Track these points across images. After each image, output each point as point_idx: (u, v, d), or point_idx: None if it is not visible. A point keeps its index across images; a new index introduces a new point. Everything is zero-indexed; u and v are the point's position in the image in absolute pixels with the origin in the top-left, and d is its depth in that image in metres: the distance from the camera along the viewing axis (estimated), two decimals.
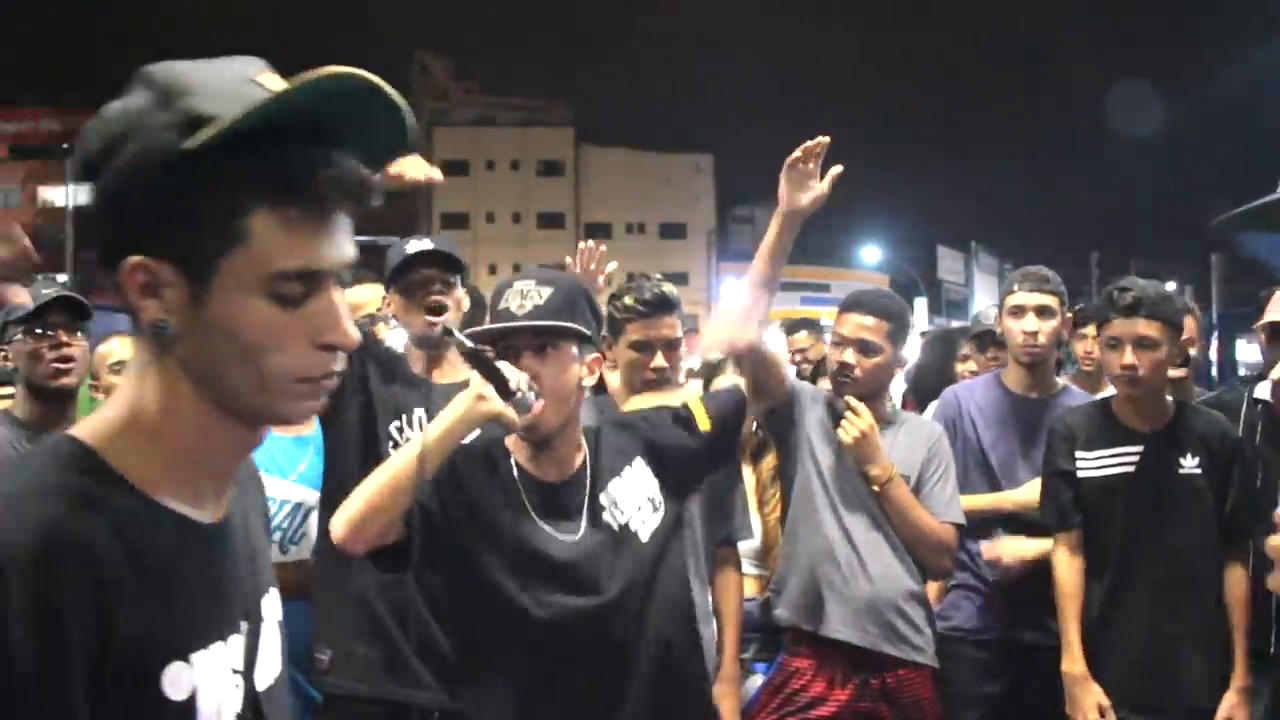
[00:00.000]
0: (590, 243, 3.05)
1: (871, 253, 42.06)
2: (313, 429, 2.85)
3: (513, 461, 2.02)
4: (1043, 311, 3.18)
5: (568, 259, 3.03)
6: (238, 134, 0.84)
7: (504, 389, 1.84)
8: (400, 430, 2.54)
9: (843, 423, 2.71)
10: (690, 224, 47.69)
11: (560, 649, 1.93)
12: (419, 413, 2.52)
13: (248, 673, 0.96)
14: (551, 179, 48.42)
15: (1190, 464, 2.79)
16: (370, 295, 3.25)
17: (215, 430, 0.92)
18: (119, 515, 0.86)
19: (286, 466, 2.78)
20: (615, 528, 2.01)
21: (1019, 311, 3.19)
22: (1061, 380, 3.37)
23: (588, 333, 1.97)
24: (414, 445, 1.85)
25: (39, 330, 2.64)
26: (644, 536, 2.02)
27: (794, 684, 2.74)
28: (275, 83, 0.89)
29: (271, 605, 1.04)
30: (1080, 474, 2.89)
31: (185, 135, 0.85)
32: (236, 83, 0.88)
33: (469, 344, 1.90)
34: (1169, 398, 2.91)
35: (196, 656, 0.89)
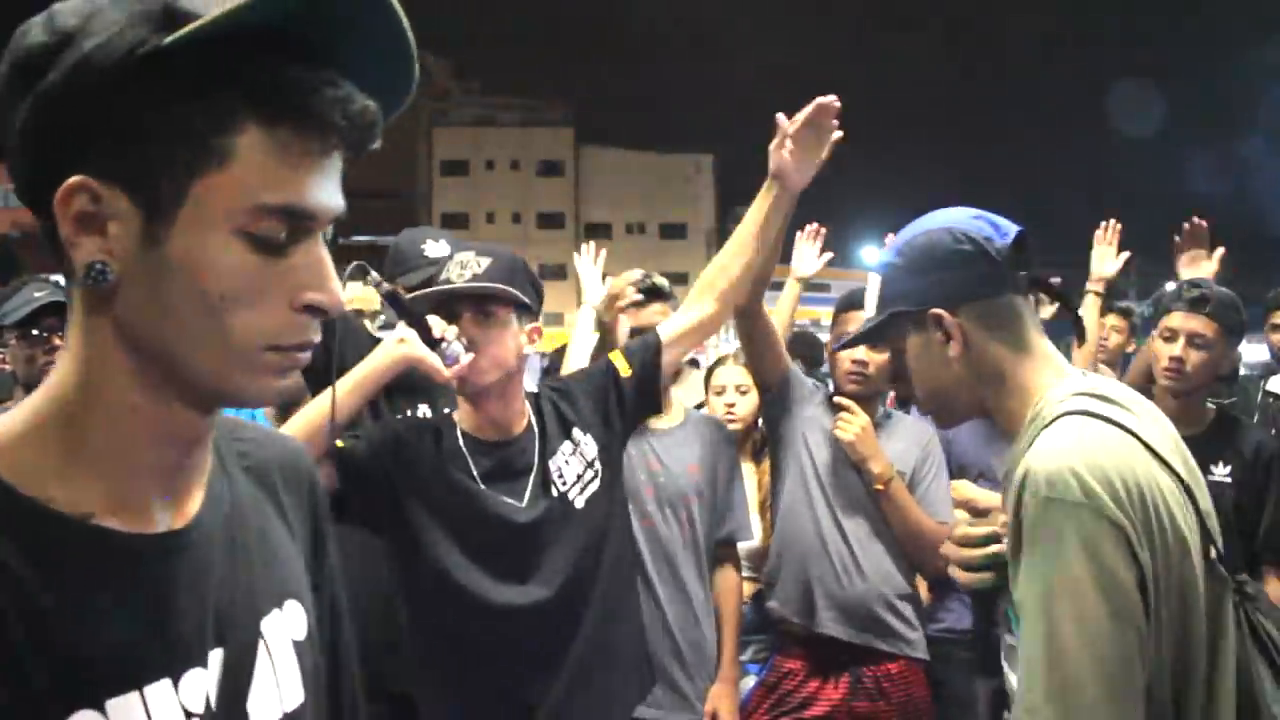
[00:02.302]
0: (591, 245, 3.07)
1: (871, 253, 42.07)
2: None
3: (458, 431, 2.07)
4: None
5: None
6: (226, 36, 0.69)
7: (428, 337, 1.90)
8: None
9: (839, 421, 2.72)
10: (690, 224, 47.71)
11: (508, 619, 1.96)
12: (422, 409, 2.55)
13: (228, 711, 0.79)
14: (551, 179, 48.44)
15: (1220, 472, 2.76)
16: (362, 293, 3.26)
17: (150, 413, 0.75)
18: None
19: None
20: (557, 495, 2.05)
21: None
22: None
23: (525, 299, 2.02)
24: (330, 389, 1.87)
25: (34, 333, 2.64)
26: (580, 504, 2.06)
27: (787, 684, 2.77)
28: None
29: (283, 622, 0.86)
30: None
31: (160, 31, 0.70)
32: None
33: (387, 286, 1.95)
34: (1209, 404, 2.89)
35: (116, 704, 0.72)
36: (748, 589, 3.04)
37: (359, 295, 3.24)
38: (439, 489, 1.99)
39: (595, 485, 2.10)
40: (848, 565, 2.72)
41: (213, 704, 0.78)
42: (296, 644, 0.87)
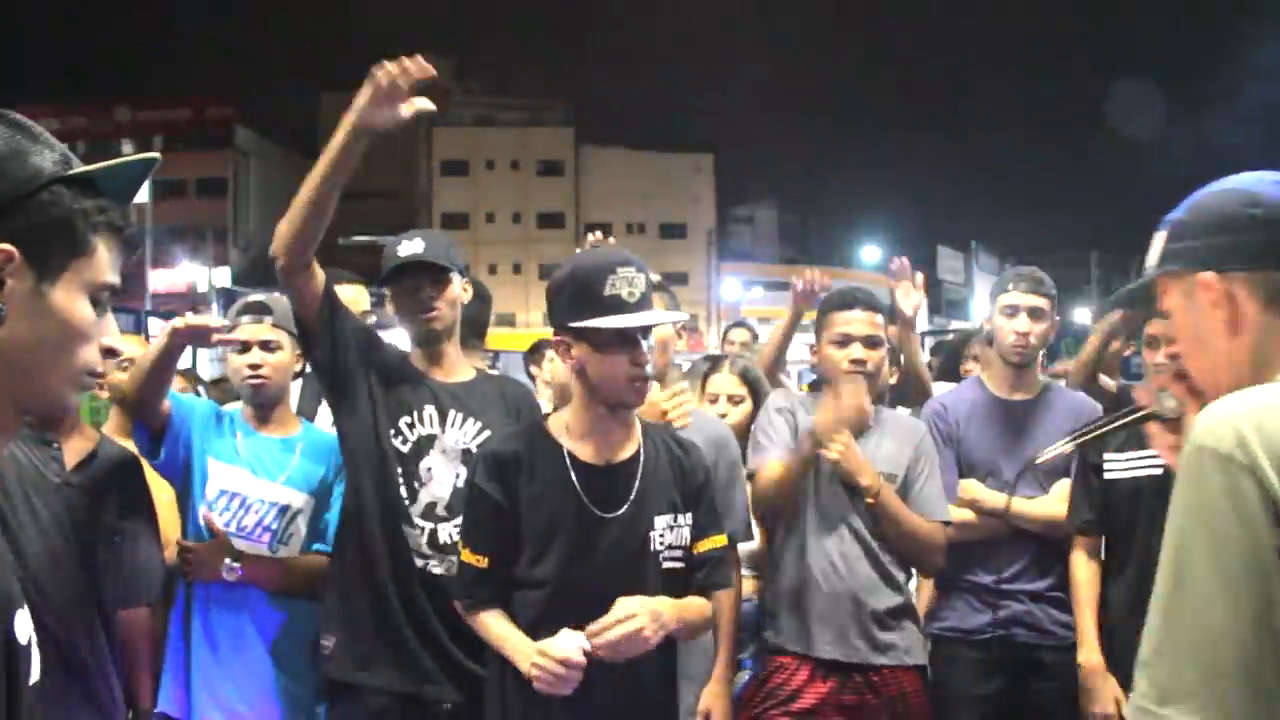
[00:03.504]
0: (598, 233, 3.05)
1: (871, 253, 42.09)
2: (298, 431, 2.89)
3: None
4: (1035, 313, 3.18)
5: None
6: (92, 179, 1.11)
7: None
8: (411, 426, 2.59)
9: (823, 437, 2.73)
10: (690, 224, 47.72)
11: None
12: (429, 409, 2.60)
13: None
14: (551, 179, 48.45)
15: None
16: (353, 295, 3.35)
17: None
18: None
19: (275, 470, 2.80)
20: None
21: (1012, 311, 3.19)
22: (1043, 378, 3.37)
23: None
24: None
25: None
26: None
27: (777, 678, 2.80)
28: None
29: (24, 622, 1.17)
30: (1108, 475, 2.92)
31: (64, 167, 1.09)
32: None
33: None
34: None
35: (23, 611, 1.08)
36: (748, 587, 3.04)
37: (349, 297, 3.30)
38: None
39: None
40: (836, 586, 2.76)
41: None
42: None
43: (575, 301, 2.11)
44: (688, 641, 2.61)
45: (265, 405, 2.84)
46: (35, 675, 1.09)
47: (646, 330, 2.15)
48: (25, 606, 1.09)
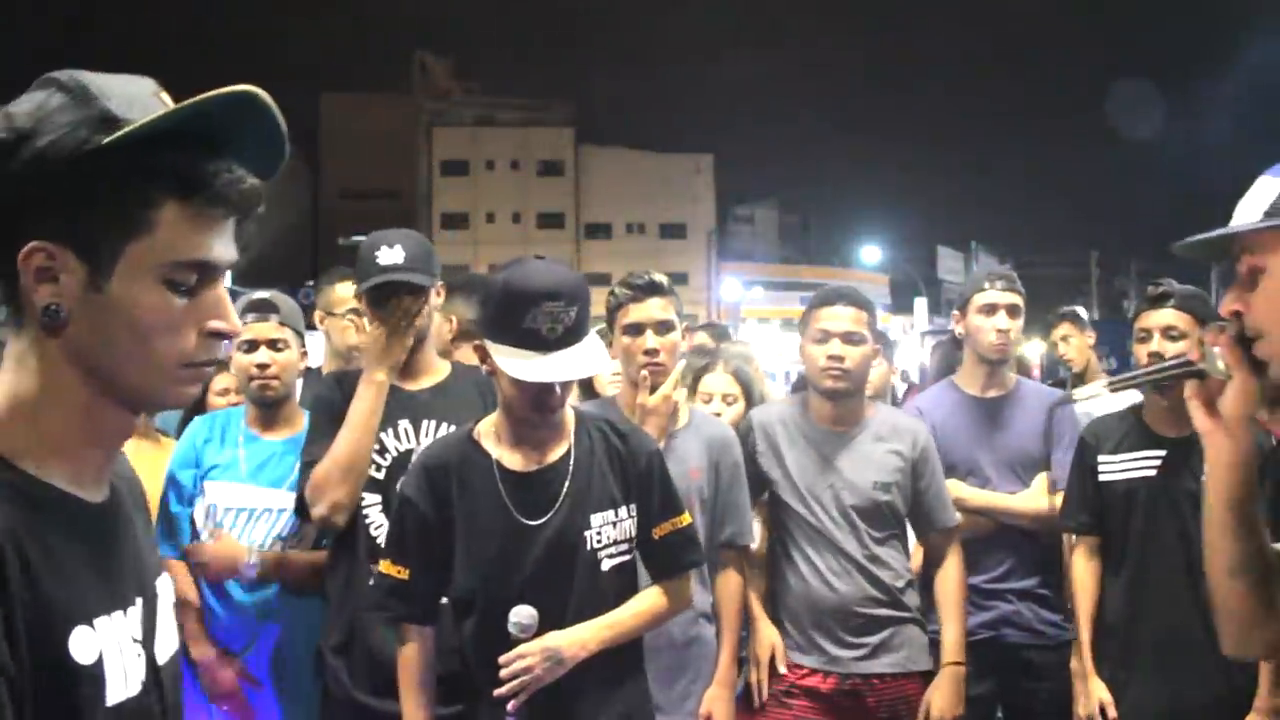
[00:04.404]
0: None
1: (871, 253, 42.03)
2: (303, 428, 2.84)
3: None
4: (1013, 310, 3.21)
5: None
6: (149, 136, 0.93)
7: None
8: (382, 451, 2.53)
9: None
10: (690, 224, 47.66)
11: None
12: (403, 424, 2.54)
13: (147, 645, 1.02)
14: (551, 179, 48.40)
15: None
16: (349, 293, 3.30)
17: (95, 413, 0.97)
18: (12, 493, 0.91)
19: (280, 476, 2.79)
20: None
21: (991, 309, 3.20)
22: (1014, 375, 3.38)
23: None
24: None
25: None
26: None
27: (776, 671, 2.81)
28: (170, 101, 0.99)
29: (166, 586, 1.09)
30: (1103, 477, 2.92)
31: (101, 132, 0.93)
32: (142, 95, 0.97)
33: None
34: None
35: (99, 622, 0.94)
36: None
37: (346, 295, 3.32)
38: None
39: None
40: (836, 602, 2.78)
41: (142, 637, 1.01)
42: (174, 605, 1.11)
43: (496, 320, 2.04)
44: (691, 633, 2.63)
45: (272, 405, 2.83)
46: (126, 692, 0.96)
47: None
48: (107, 617, 0.95)
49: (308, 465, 2.47)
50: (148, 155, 0.93)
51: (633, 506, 2.18)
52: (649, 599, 2.22)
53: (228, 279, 1.05)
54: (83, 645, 0.91)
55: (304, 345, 2.93)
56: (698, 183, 48.68)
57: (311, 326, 3.37)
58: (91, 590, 0.95)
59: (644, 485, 2.20)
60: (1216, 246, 1.36)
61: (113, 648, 0.95)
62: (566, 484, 2.13)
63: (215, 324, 0.99)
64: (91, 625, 0.93)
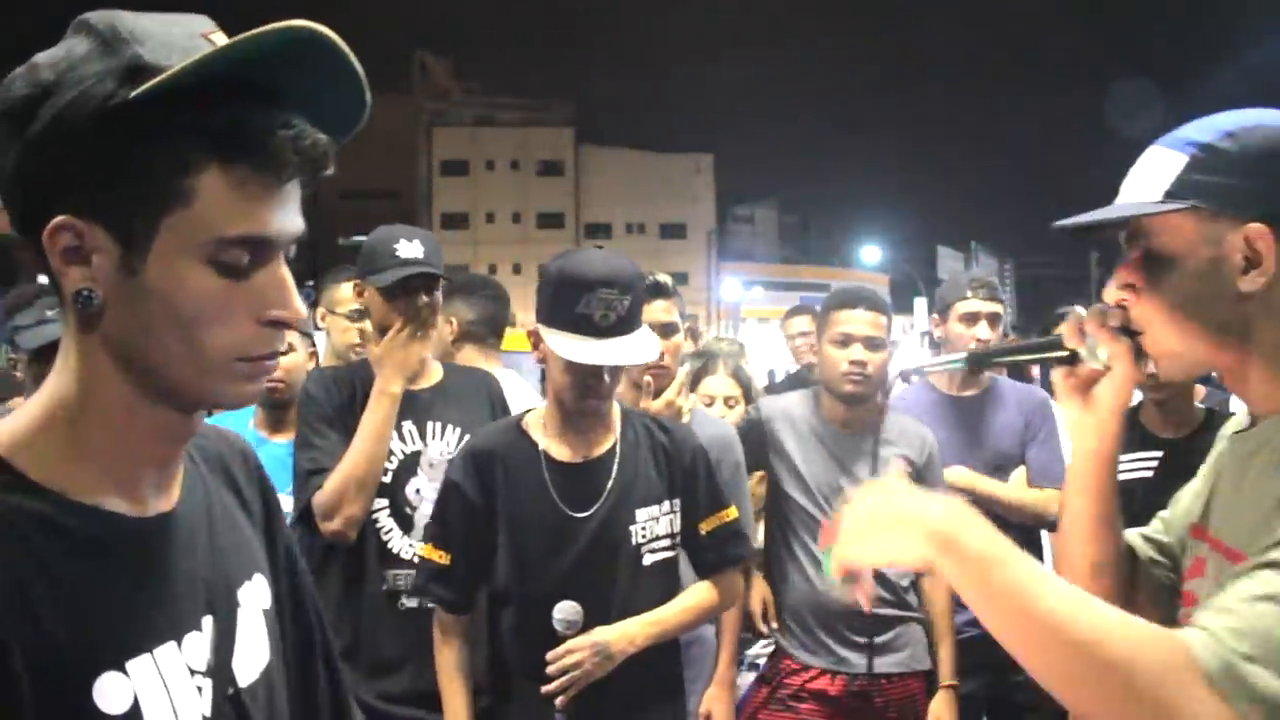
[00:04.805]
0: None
1: (871, 253, 42.06)
2: None
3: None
4: (994, 320, 3.22)
5: None
6: (187, 86, 0.77)
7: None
8: (392, 441, 2.46)
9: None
10: (690, 224, 47.69)
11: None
12: (407, 425, 2.46)
13: (220, 671, 0.89)
14: (551, 179, 48.42)
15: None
16: (350, 293, 3.17)
17: (142, 415, 0.84)
18: (22, 521, 0.78)
19: (289, 481, 2.76)
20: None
21: (972, 319, 3.20)
22: (989, 374, 3.38)
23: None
24: None
25: (47, 358, 2.62)
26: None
27: (784, 675, 2.79)
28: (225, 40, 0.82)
29: (254, 593, 0.97)
30: None
31: (128, 84, 0.77)
32: (185, 36, 0.81)
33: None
34: (1199, 405, 2.89)
35: (135, 664, 0.81)
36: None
37: (347, 295, 3.25)
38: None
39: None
40: (837, 602, 2.72)
41: (209, 664, 0.88)
42: (265, 612, 0.98)
43: (551, 304, 2.05)
44: (691, 633, 2.62)
45: (280, 408, 2.82)
46: None
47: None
48: (148, 655, 0.82)
49: (310, 473, 2.40)
50: (184, 110, 0.78)
51: (676, 501, 2.18)
52: (697, 594, 2.21)
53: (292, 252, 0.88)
54: (111, 693, 0.78)
55: (312, 345, 2.90)
56: (698, 183, 48.71)
57: (314, 326, 3.35)
58: (133, 624, 0.82)
59: (689, 480, 2.20)
60: (1110, 229, 1.21)
61: (154, 689, 0.81)
62: (613, 477, 2.13)
63: (274, 312, 0.83)
64: (124, 669, 0.79)
